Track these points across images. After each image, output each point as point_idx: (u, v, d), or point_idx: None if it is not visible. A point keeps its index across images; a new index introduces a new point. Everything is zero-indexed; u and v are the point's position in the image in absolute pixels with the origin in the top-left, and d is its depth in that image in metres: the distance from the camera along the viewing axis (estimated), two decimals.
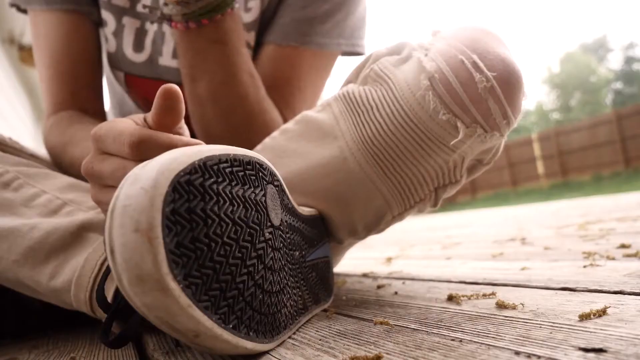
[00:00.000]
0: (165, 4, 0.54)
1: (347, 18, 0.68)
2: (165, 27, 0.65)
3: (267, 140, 0.53)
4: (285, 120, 0.63)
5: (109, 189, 0.39)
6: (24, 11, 0.68)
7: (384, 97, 0.44)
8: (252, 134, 0.59)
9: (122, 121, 0.39)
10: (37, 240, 0.44)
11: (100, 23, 0.67)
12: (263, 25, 0.68)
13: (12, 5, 0.68)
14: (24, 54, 2.90)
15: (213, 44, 0.56)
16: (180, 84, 0.65)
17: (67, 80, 0.66)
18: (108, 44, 0.68)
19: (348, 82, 0.51)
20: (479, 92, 0.40)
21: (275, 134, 0.53)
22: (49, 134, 0.65)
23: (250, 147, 0.59)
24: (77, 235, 0.45)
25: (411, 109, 0.42)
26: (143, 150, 0.36)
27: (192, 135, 0.65)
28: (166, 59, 0.67)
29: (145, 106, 0.72)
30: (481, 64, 0.40)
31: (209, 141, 0.60)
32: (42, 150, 0.65)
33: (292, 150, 0.49)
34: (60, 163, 0.61)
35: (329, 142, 0.47)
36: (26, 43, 2.93)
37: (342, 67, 0.70)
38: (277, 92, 0.65)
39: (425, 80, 0.41)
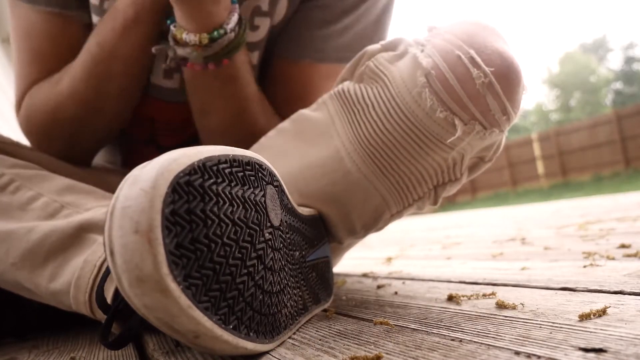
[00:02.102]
0: (178, 44, 0.50)
1: (367, 27, 0.64)
2: None
3: (263, 139, 0.52)
4: None
5: None
6: None
7: (380, 95, 0.43)
8: None
9: None
10: (35, 243, 0.44)
11: (86, 18, 0.61)
12: (272, 35, 0.64)
13: None
14: None
15: (226, 82, 0.54)
16: (181, 103, 0.62)
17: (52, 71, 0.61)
18: None
19: (343, 79, 0.50)
20: (476, 88, 0.39)
21: (271, 133, 0.52)
22: (33, 97, 0.59)
23: None
24: (76, 236, 0.44)
25: (408, 107, 0.41)
26: None
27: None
28: (156, 78, 0.61)
29: (143, 124, 0.67)
30: (478, 59, 0.39)
31: None
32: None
33: (289, 150, 0.49)
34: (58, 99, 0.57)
35: (325, 141, 0.46)
36: None
37: None
38: (290, 107, 0.63)
39: (422, 77, 0.40)
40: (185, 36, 0.49)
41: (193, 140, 0.68)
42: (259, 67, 0.64)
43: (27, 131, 0.63)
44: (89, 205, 0.48)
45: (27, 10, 0.59)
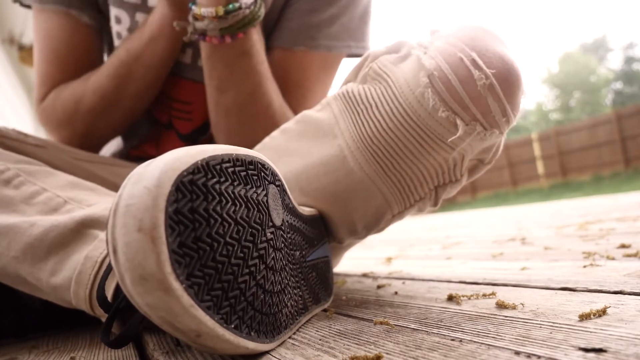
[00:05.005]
0: (197, 19, 0.55)
1: (352, 20, 0.70)
2: None
3: (266, 139, 0.53)
4: None
5: None
6: (28, 6, 0.71)
7: (383, 95, 0.44)
8: None
9: None
10: (36, 237, 0.44)
11: (95, 24, 0.70)
12: (267, 27, 0.70)
13: (15, 0, 0.70)
14: (24, 54, 2.90)
15: (242, 56, 0.58)
16: (195, 82, 0.69)
17: (70, 73, 0.69)
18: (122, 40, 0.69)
19: (347, 81, 0.50)
20: (478, 90, 0.40)
21: (275, 133, 0.53)
22: (61, 92, 0.67)
23: None
24: (77, 231, 0.45)
25: (410, 106, 0.42)
26: None
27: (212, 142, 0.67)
28: (181, 55, 0.68)
29: (161, 103, 0.72)
30: (480, 62, 0.40)
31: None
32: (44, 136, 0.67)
33: (292, 149, 0.49)
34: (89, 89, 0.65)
35: (328, 141, 0.47)
36: (26, 43, 2.93)
37: (345, 67, 0.72)
38: (289, 95, 0.68)
39: (425, 77, 0.41)
40: (204, 10, 0.54)
41: (207, 127, 0.72)
42: None
43: (48, 120, 0.70)
44: (92, 201, 0.48)
45: (42, 12, 0.68)
